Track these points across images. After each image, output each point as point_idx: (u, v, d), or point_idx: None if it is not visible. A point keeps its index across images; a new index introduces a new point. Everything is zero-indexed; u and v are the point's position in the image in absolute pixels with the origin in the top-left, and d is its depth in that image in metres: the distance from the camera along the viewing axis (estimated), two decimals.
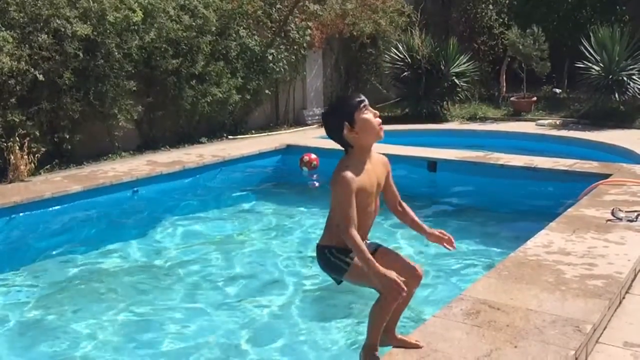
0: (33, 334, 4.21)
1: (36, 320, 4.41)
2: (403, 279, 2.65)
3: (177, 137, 9.73)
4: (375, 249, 2.90)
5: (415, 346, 2.95)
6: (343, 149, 2.83)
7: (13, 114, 7.23)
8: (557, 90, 14.58)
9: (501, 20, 15.35)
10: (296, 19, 11.46)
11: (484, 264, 5.16)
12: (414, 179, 7.93)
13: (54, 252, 5.79)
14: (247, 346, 4.00)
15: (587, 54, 11.66)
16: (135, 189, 7.29)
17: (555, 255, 4.17)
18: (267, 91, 11.20)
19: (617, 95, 11.23)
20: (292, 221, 6.75)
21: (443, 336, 3.04)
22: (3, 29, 7.09)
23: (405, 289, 2.63)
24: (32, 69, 7.31)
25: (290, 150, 9.07)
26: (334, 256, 2.79)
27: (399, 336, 3.00)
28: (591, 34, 11.82)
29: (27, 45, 7.33)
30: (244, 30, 10.40)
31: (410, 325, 3.96)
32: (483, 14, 15.38)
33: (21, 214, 6.30)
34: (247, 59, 10.53)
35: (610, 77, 11.23)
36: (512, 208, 7.07)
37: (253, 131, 11.02)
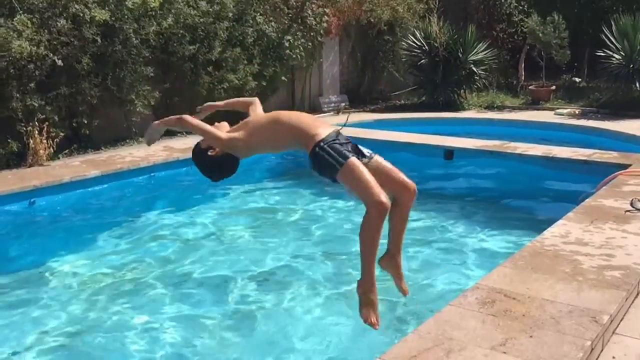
0: (57, 319, 4.28)
1: (59, 308, 4.48)
2: (384, 193, 2.58)
3: None
4: (371, 156, 2.82)
5: (403, 291, 2.93)
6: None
7: (32, 98, 7.30)
8: (577, 79, 14.39)
9: (521, 7, 15.15)
10: (313, 5, 11.40)
11: (500, 254, 5.14)
12: (430, 167, 7.90)
13: (71, 236, 5.86)
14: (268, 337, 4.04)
15: (607, 42, 11.48)
16: (152, 174, 7.35)
17: (573, 246, 4.14)
18: (283, 78, 11.17)
19: (637, 85, 11.06)
20: (305, 207, 6.77)
21: (458, 324, 3.04)
22: (22, 13, 7.14)
23: (388, 203, 2.58)
24: (51, 54, 7.35)
25: None
26: (325, 152, 2.68)
27: (401, 270, 2.90)
28: (612, 22, 11.62)
29: (46, 30, 7.38)
30: (260, 17, 10.37)
31: (425, 314, 3.97)
32: (502, 1, 15.19)
33: (40, 198, 6.38)
34: (263, 45, 10.50)
35: (631, 66, 11.05)
36: (529, 198, 7.01)
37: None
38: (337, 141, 2.73)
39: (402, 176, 2.81)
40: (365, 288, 2.71)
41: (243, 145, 2.91)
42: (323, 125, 2.83)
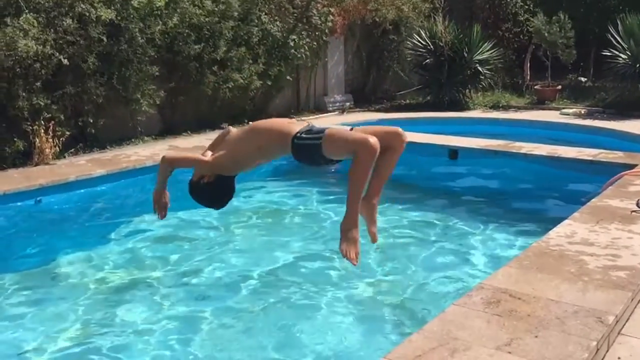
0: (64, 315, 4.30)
1: (66, 307, 4.50)
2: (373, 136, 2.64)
3: (198, 122, 9.78)
4: (351, 128, 2.89)
5: (373, 237, 2.89)
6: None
7: (38, 97, 7.32)
8: (583, 79, 14.34)
9: (526, 7, 15.10)
10: (318, 5, 11.40)
11: (505, 254, 5.13)
12: (435, 166, 7.90)
13: (77, 235, 5.88)
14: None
15: (614, 42, 11.43)
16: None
17: (578, 246, 4.13)
18: (288, 77, 11.18)
19: None
20: (310, 206, 6.77)
21: (463, 324, 3.04)
22: (29, 12, 7.17)
23: (378, 143, 2.61)
24: (57, 53, 7.37)
25: None
26: (303, 139, 2.78)
27: (376, 214, 2.90)
28: (619, 22, 11.57)
29: (52, 30, 7.40)
30: (265, 16, 10.38)
31: (429, 313, 3.97)
32: (508, 0, 15.15)
33: (46, 197, 6.41)
34: (268, 44, 10.51)
35: (638, 65, 10.99)
36: (535, 198, 7.00)
37: (274, 117, 11.00)
38: (312, 130, 2.84)
39: (390, 127, 2.86)
40: (349, 226, 2.76)
41: (228, 160, 2.99)
42: (297, 124, 2.93)
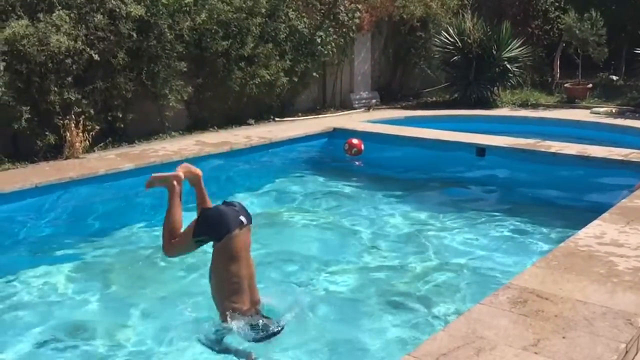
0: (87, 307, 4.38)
1: (87, 296, 4.58)
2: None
3: (225, 118, 9.85)
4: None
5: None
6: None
7: (69, 92, 7.45)
8: (614, 77, 14.06)
9: (557, 4, 14.86)
10: (345, 2, 11.38)
11: (532, 253, 5.08)
12: (461, 164, 7.83)
13: (107, 227, 5.98)
14: None
15: None
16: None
17: (608, 247, 4.07)
18: (314, 74, 11.18)
19: None
20: (336, 204, 6.77)
21: (489, 324, 3.02)
22: (61, 9, 7.30)
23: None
24: (88, 49, 7.50)
25: (336, 133, 9.06)
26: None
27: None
28: None
29: (83, 25, 7.52)
30: (293, 12, 10.40)
31: (455, 312, 3.94)
32: None
33: (76, 189, 6.52)
34: (295, 41, 10.53)
35: None
36: (564, 197, 6.90)
37: (300, 114, 11.05)
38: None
39: None
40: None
41: (227, 289, 3.61)
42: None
